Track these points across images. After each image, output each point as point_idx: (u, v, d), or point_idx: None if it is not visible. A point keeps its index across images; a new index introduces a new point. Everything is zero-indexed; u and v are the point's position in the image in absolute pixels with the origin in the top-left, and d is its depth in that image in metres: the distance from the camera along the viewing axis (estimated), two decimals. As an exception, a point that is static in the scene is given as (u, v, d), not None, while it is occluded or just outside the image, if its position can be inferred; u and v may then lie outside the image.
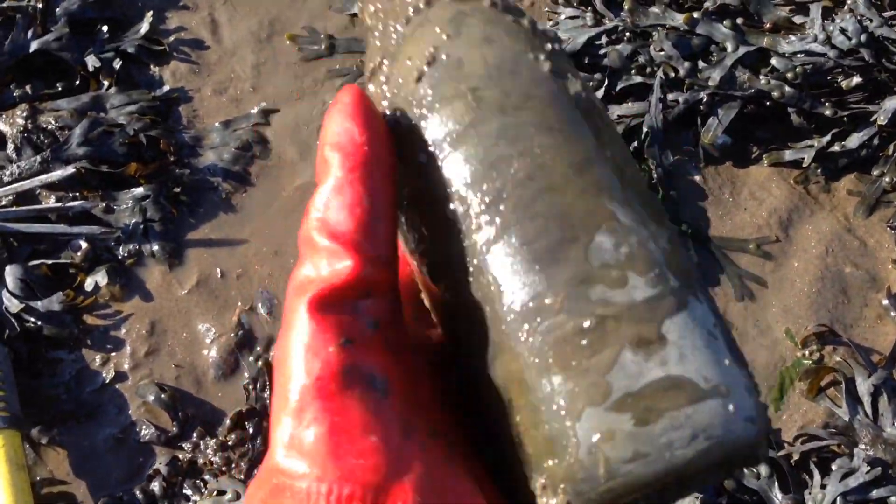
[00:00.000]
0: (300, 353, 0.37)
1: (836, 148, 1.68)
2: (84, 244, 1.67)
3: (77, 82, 1.88)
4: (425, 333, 0.45)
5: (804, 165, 1.69)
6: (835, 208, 1.68)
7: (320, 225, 0.38)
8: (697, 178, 1.71)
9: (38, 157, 1.75)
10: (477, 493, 0.37)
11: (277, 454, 0.36)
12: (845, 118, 1.68)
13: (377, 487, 0.34)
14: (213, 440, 1.50)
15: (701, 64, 1.74)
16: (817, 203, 1.68)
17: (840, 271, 1.60)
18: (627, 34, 1.77)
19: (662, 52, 1.74)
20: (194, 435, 1.51)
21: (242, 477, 1.45)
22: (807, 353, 1.52)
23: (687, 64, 1.73)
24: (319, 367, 0.36)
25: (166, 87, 1.90)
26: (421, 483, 0.35)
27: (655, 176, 1.67)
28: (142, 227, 1.70)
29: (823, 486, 1.35)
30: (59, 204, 1.70)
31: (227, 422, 1.51)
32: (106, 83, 1.87)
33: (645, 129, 1.70)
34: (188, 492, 1.46)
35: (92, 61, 1.87)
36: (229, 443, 1.48)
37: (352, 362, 0.36)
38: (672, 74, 1.73)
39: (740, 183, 1.71)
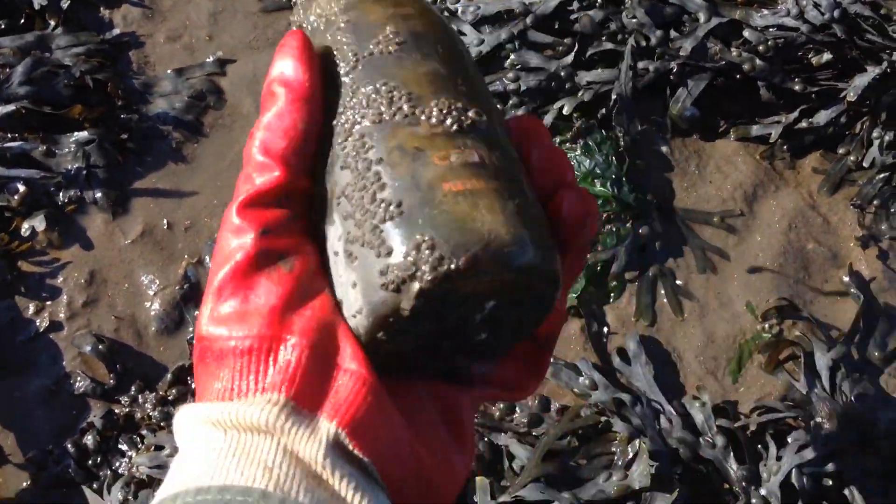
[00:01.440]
0: (227, 244, 0.46)
1: (803, 124, 1.66)
2: (22, 187, 1.58)
3: (22, 21, 1.78)
4: None
5: (771, 141, 1.67)
6: (799, 185, 1.66)
7: (260, 144, 0.47)
8: (664, 148, 1.68)
9: (-24, 94, 1.64)
10: (353, 336, 0.45)
11: (201, 324, 0.46)
12: (814, 95, 1.67)
13: (272, 337, 0.43)
14: (153, 394, 1.42)
15: (673, 33, 1.71)
16: (782, 179, 1.66)
17: (802, 247, 1.59)
18: (600, 0, 1.73)
19: (635, 20, 1.71)
20: (132, 388, 1.43)
21: (182, 434, 1.38)
22: (766, 326, 1.50)
23: (659, 32, 1.69)
24: (239, 253, 0.45)
25: (116, 31, 1.81)
26: (309, 328, 0.44)
27: (622, 144, 1.64)
28: (84, 172, 1.61)
29: (779, 458, 1.33)
30: (-3, 144, 1.61)
31: (169, 376, 1.43)
32: (52, 23, 1.78)
33: (613, 97, 1.66)
34: (124, 447, 1.38)
35: (38, -1, 1.77)
36: (169, 398, 1.41)
37: (266, 247, 0.45)
38: (643, 43, 1.69)
39: (706, 156, 1.68)
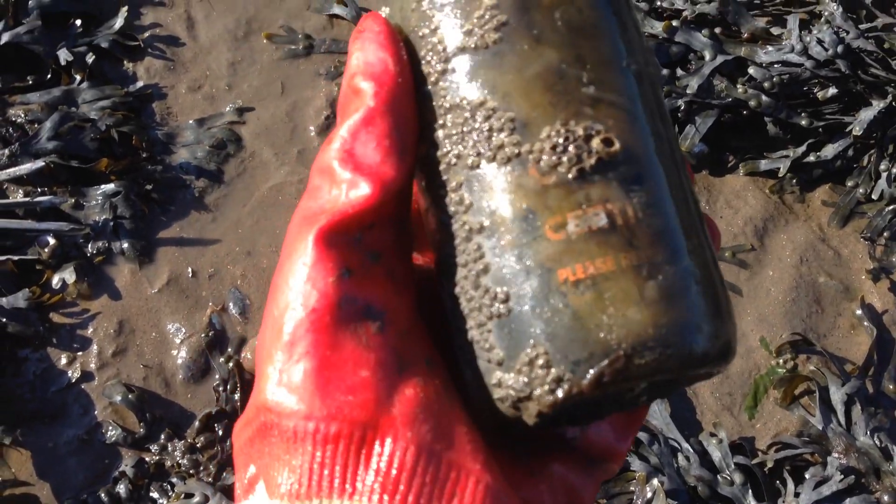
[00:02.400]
0: (299, 283, 0.35)
1: (811, 158, 1.69)
2: (52, 240, 1.63)
3: (48, 76, 1.84)
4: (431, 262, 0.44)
5: (780, 175, 1.70)
6: (809, 218, 1.69)
7: (345, 156, 0.37)
8: (674, 185, 1.71)
9: (7, 151, 1.71)
10: (469, 421, 0.36)
11: (266, 390, 0.35)
12: (821, 129, 1.70)
13: (365, 424, 0.34)
14: (182, 442, 1.47)
15: (679, 72, 1.75)
16: (792, 213, 1.69)
17: (814, 281, 1.61)
18: (607, 41, 1.77)
19: (641, 60, 1.75)
20: (162, 437, 1.48)
21: (211, 480, 1.42)
22: (781, 361, 1.52)
23: (665, 72, 1.73)
24: (316, 298, 0.35)
25: (140, 84, 1.87)
26: (413, 416, 0.34)
27: (633, 182, 1.67)
28: (112, 224, 1.66)
29: (797, 495, 1.35)
30: (27, 199, 1.67)
31: (197, 423, 1.48)
32: (78, 78, 1.84)
33: (623, 136, 1.69)
34: (155, 495, 1.42)
35: (64, 55, 1.83)
36: (198, 445, 1.45)
37: (350, 294, 0.35)
38: (651, 82, 1.73)
39: (716, 191, 1.71)
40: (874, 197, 1.66)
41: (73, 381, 1.54)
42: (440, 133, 0.38)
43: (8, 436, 1.47)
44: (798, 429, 1.46)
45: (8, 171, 1.68)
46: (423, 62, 0.38)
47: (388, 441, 0.34)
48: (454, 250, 0.37)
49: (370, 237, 0.36)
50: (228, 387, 1.51)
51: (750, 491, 1.36)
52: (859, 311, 1.56)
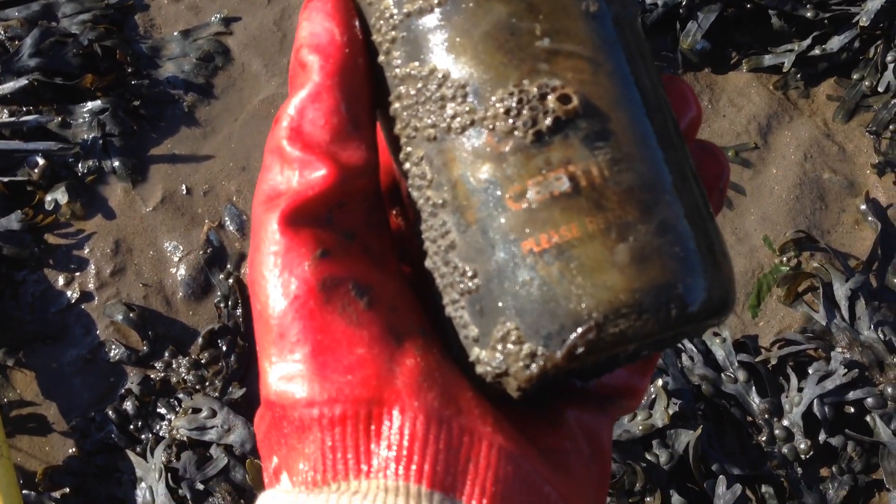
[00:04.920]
0: (275, 273, 0.34)
1: (816, 52, 1.64)
2: (41, 160, 1.60)
3: (25, -10, 1.77)
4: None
5: (784, 70, 1.65)
6: (814, 114, 1.65)
7: (292, 134, 0.35)
8: (676, 84, 1.67)
9: (-13, 70, 1.66)
10: (468, 384, 0.35)
11: (268, 385, 0.35)
12: (826, 20, 1.64)
13: (369, 400, 0.33)
14: (186, 359, 1.46)
15: (680, -35, 1.68)
16: (796, 109, 1.65)
17: (818, 177, 1.59)
18: (604, -66, 1.70)
19: (640, -47, 1.68)
20: (166, 354, 1.48)
21: (217, 394, 1.42)
22: (784, 259, 1.51)
23: (666, -35, 1.66)
24: (297, 284, 0.34)
25: (120, -6, 1.80)
26: (417, 385, 0.34)
27: (633, 82, 1.63)
28: (101, 142, 1.62)
29: (800, 390, 1.35)
30: (13, 118, 1.62)
31: (200, 340, 1.47)
32: (56, -10, 1.77)
33: (622, 34, 1.64)
34: (162, 410, 1.43)
35: (39, -33, 1.76)
36: (202, 361, 1.45)
37: (330, 274, 0.34)
38: (650, -24, 1.67)
39: (719, 89, 1.67)
40: (880, 89, 1.62)
41: (73, 301, 1.53)
42: (397, 105, 0.36)
43: (10, 357, 1.47)
44: (801, 325, 1.46)
45: (-10, 90, 1.63)
46: (374, 31, 0.36)
47: (396, 412, 0.33)
48: (423, 225, 0.36)
49: (341, 216, 0.35)
50: (230, 303, 1.51)
51: (753, 388, 1.37)
52: (864, 206, 1.55)
